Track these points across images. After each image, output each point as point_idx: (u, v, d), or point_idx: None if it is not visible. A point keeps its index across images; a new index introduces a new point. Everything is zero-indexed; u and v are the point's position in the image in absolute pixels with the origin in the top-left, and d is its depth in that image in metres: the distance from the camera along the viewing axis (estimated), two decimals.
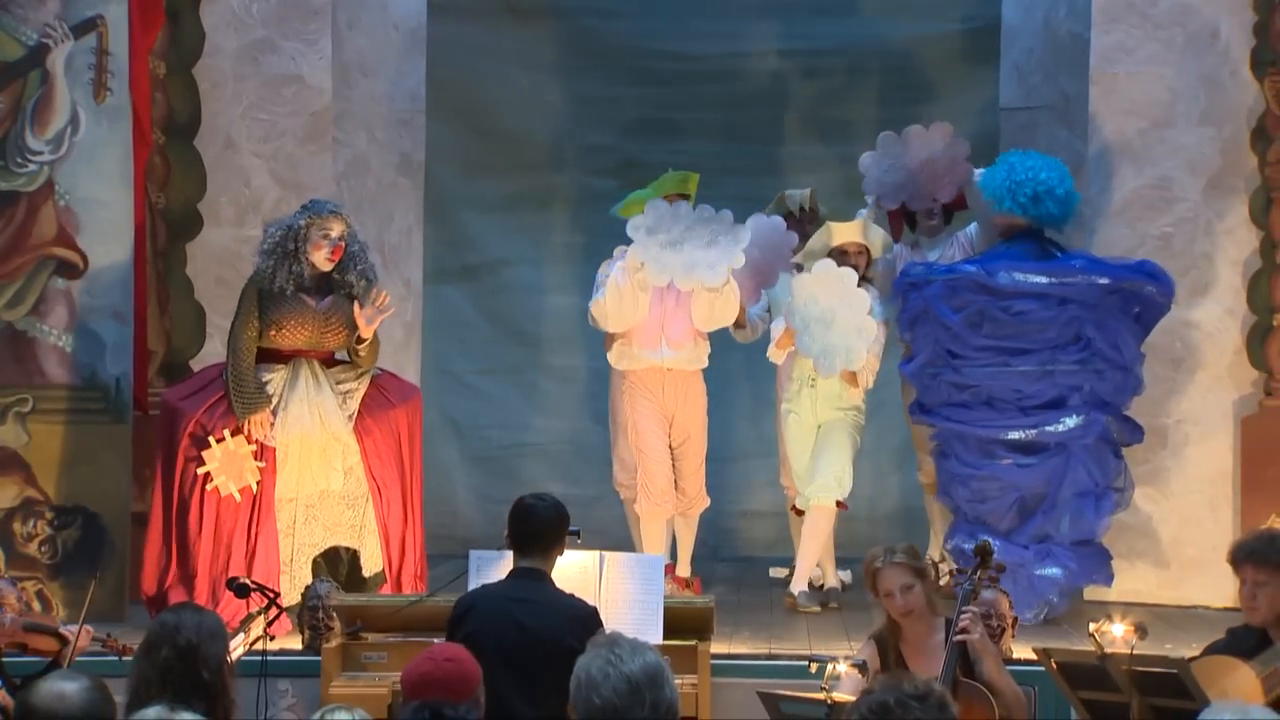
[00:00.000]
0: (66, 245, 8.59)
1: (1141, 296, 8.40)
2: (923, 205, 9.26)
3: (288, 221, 8.17)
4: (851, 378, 8.76)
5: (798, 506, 8.95)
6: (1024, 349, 8.40)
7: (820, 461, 8.78)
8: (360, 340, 8.12)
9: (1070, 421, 8.35)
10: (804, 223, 9.33)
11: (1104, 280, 8.35)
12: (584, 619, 5.92)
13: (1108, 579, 8.58)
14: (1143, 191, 9.24)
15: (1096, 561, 8.48)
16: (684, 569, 8.92)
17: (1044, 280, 8.38)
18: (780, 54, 11.38)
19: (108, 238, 8.59)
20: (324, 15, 9.32)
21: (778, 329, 8.79)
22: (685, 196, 8.71)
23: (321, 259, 8.07)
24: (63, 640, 6.55)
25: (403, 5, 10.04)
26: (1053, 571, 8.25)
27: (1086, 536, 8.39)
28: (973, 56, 11.02)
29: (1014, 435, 8.42)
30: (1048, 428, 8.38)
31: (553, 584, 6.11)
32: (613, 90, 11.39)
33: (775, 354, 8.89)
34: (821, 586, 9.08)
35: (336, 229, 8.08)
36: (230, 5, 9.28)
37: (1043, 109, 10.11)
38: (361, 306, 8.08)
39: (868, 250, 8.88)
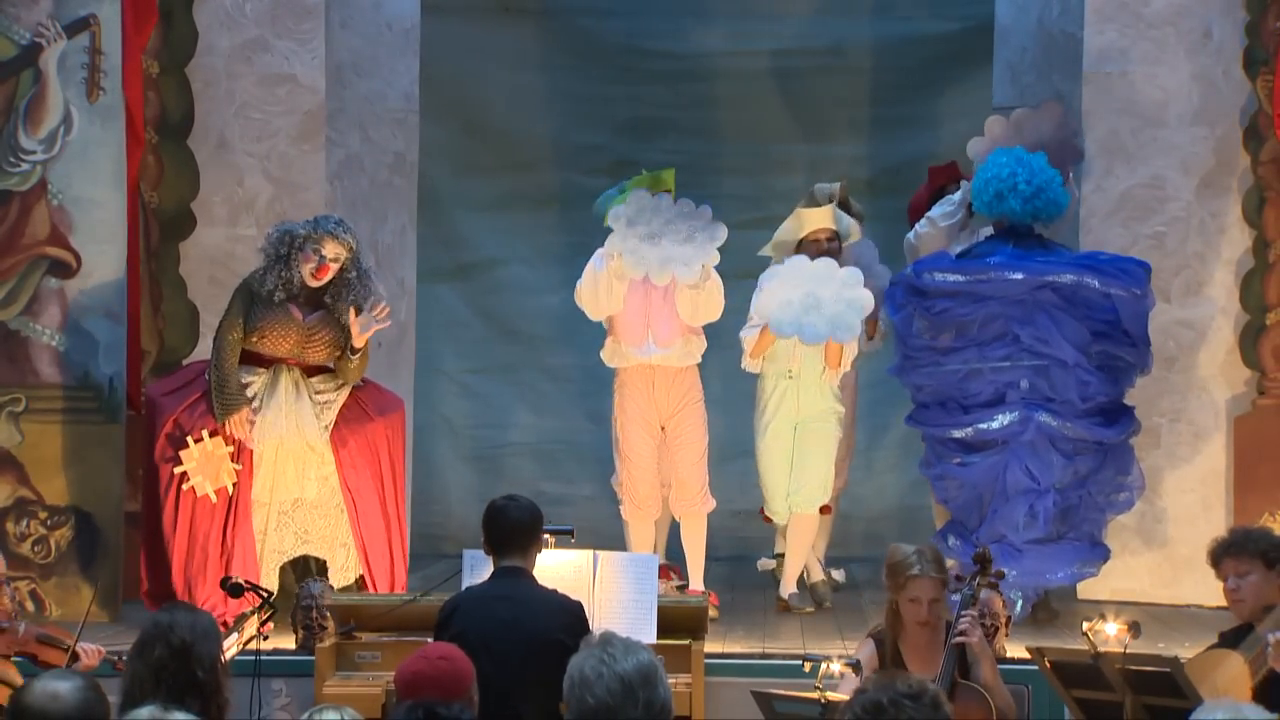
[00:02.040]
0: (59, 245, 8.58)
1: (1081, 289, 8.32)
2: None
3: (290, 226, 8.13)
4: (835, 356, 8.66)
5: (767, 514, 8.94)
6: (952, 348, 8.47)
7: (804, 472, 8.72)
8: (353, 350, 8.06)
9: (1004, 419, 8.36)
10: None
11: (1017, 276, 8.33)
12: (569, 611, 5.97)
13: (1069, 577, 8.49)
14: (1136, 191, 9.24)
15: (1055, 560, 8.36)
16: (697, 581, 8.71)
17: (960, 279, 8.44)
18: (773, 53, 11.39)
19: (101, 237, 8.59)
20: (317, 14, 9.31)
21: (749, 338, 8.73)
22: (668, 193, 8.67)
23: (307, 273, 8.02)
24: (74, 657, 6.52)
25: (396, 4, 10.03)
26: None
27: (1035, 535, 8.33)
28: (966, 56, 11.03)
29: (957, 434, 8.49)
30: (981, 425, 8.42)
31: (534, 580, 6.12)
32: (606, 89, 11.40)
33: (752, 364, 8.81)
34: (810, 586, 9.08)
35: (331, 249, 7.99)
36: (223, 4, 9.27)
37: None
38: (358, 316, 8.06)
39: (839, 237, 8.86)
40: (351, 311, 8.01)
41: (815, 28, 11.38)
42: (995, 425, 8.39)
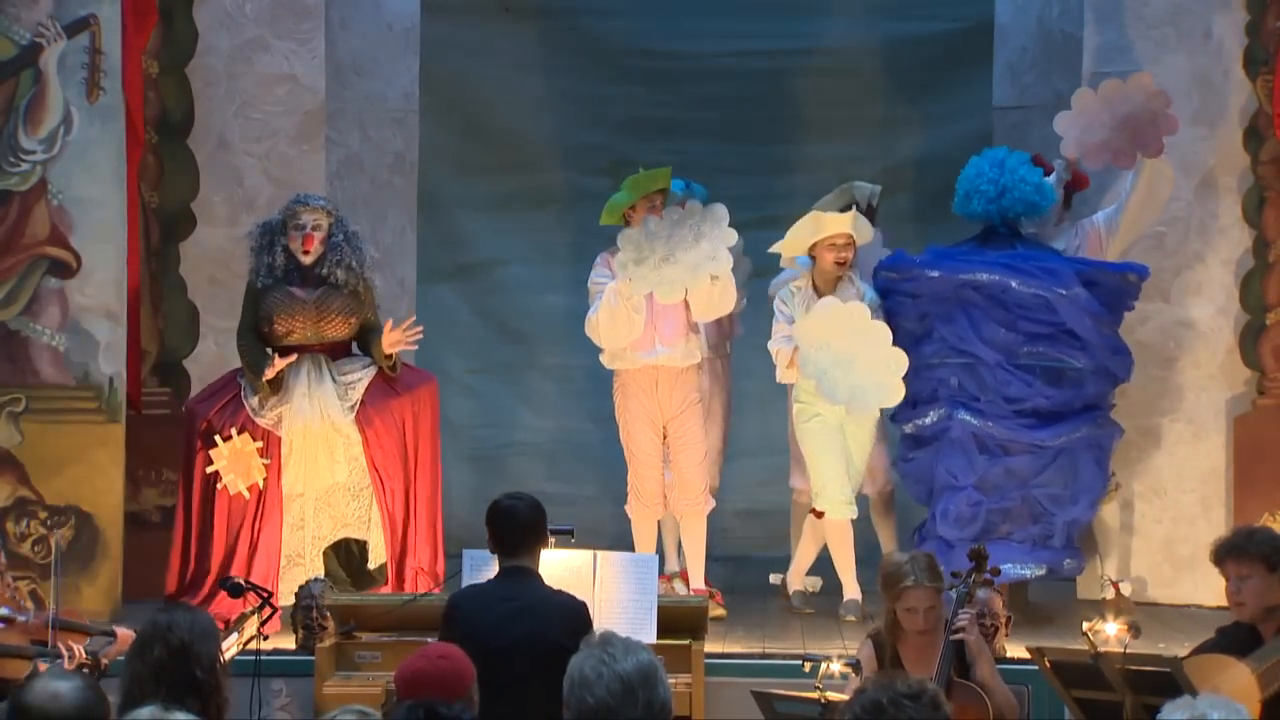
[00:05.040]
0: (59, 245, 8.58)
1: (1005, 289, 8.29)
2: (1128, 166, 8.78)
3: (266, 218, 8.31)
4: None
5: (818, 509, 8.72)
6: (902, 345, 8.48)
7: (849, 475, 8.58)
8: (388, 358, 8.16)
9: (934, 415, 8.43)
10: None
11: (933, 274, 8.38)
12: (574, 614, 5.94)
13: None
14: None
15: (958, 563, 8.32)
16: (698, 579, 8.66)
17: (893, 276, 8.56)
18: (773, 53, 11.38)
19: (101, 237, 8.59)
20: (317, 14, 9.31)
21: (783, 350, 8.55)
22: (663, 192, 8.64)
23: (296, 249, 8.12)
24: (97, 635, 6.57)
25: (396, 4, 10.04)
26: None
27: (958, 534, 8.31)
28: (966, 56, 11.03)
29: (906, 429, 8.61)
30: (919, 421, 8.52)
31: (541, 580, 6.10)
32: (606, 89, 11.40)
33: (787, 375, 8.63)
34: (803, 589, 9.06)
35: (308, 218, 8.12)
36: (223, 4, 9.27)
37: (1036, 108, 10.11)
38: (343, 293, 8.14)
39: (854, 243, 8.64)
40: (387, 325, 8.11)
41: (815, 28, 11.38)
42: (927, 421, 8.47)
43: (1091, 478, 8.43)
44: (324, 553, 8.12)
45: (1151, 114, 8.72)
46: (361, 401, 8.14)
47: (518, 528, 6.12)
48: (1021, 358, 8.37)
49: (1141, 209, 8.69)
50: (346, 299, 8.15)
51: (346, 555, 8.17)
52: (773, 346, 8.65)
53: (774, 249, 8.76)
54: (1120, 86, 8.79)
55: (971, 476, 8.34)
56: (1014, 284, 8.33)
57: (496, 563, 6.22)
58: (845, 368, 8.32)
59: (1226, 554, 6.08)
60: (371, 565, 8.13)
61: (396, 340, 8.14)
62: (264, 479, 8.02)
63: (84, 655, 6.36)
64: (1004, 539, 8.26)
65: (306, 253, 8.12)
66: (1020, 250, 8.50)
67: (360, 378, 8.17)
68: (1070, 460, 8.38)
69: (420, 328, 8.25)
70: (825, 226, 8.59)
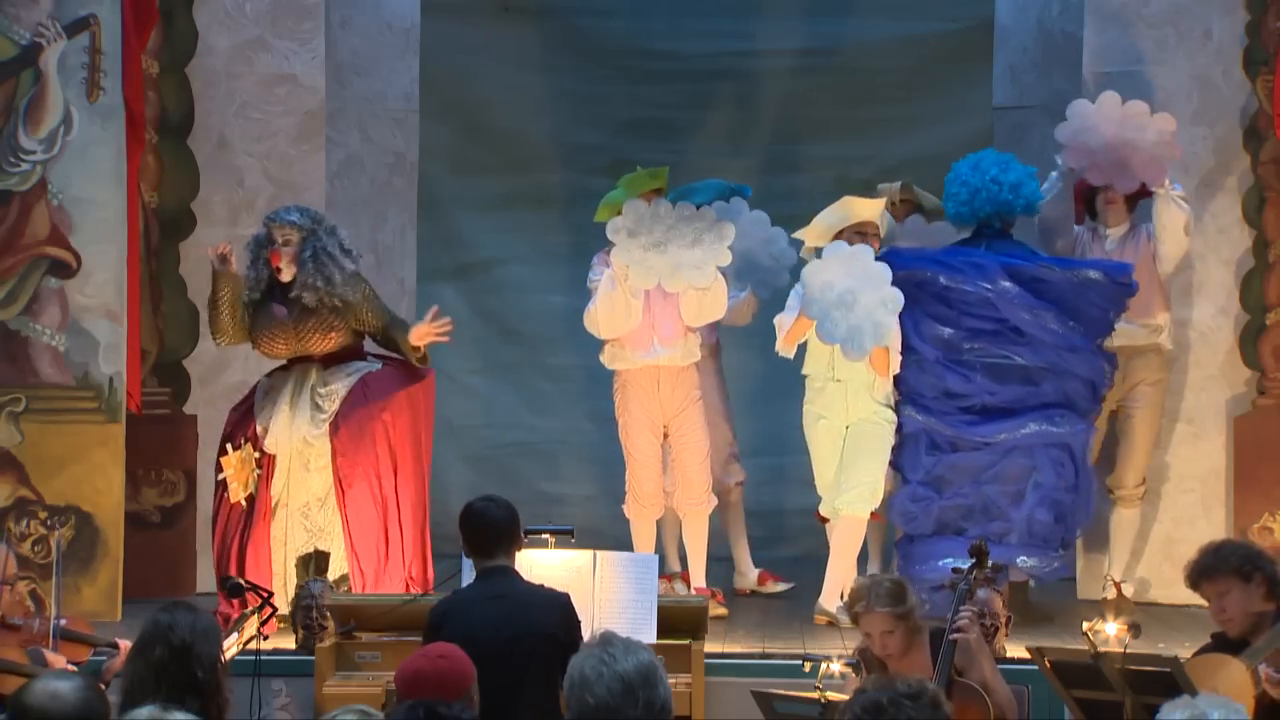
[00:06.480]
0: (59, 245, 8.59)
1: (945, 287, 8.25)
2: (1100, 182, 8.74)
3: (258, 231, 8.24)
4: (883, 364, 8.32)
5: (822, 514, 8.72)
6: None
7: (853, 470, 8.39)
8: (415, 349, 8.11)
9: (904, 412, 8.43)
10: (895, 216, 9.08)
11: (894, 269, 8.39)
12: (560, 605, 5.98)
13: (933, 570, 8.08)
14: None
15: (923, 554, 8.21)
16: (699, 578, 8.66)
17: None
18: (773, 53, 11.38)
19: (101, 237, 8.59)
20: (317, 14, 9.32)
21: (784, 320, 8.44)
22: (659, 191, 8.62)
23: (275, 267, 8.09)
24: (101, 647, 6.57)
25: (396, 4, 10.04)
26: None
27: (912, 529, 8.35)
28: (966, 56, 11.03)
29: None
30: (900, 416, 8.54)
31: (520, 577, 6.11)
32: (606, 89, 11.40)
33: (785, 348, 8.48)
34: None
35: (278, 235, 8.05)
36: (223, 4, 9.28)
37: (1036, 108, 10.12)
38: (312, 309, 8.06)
39: (880, 233, 8.53)
40: (424, 320, 8.03)
41: (814, 27, 11.38)
42: (900, 417, 8.45)
43: (1051, 478, 8.28)
44: (296, 561, 8.11)
45: (1151, 156, 8.64)
46: (339, 410, 8.09)
47: (492, 530, 6.11)
48: (965, 354, 8.31)
49: (1160, 235, 8.68)
50: (324, 315, 8.08)
51: (316, 565, 8.14)
52: (778, 318, 8.49)
53: (799, 234, 8.69)
54: (1143, 114, 8.69)
55: (918, 472, 8.33)
56: (942, 280, 8.28)
57: (473, 567, 6.21)
58: (846, 307, 8.18)
59: (1200, 577, 6.11)
60: (332, 576, 8.01)
61: (425, 334, 8.07)
62: (256, 489, 8.01)
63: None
64: (957, 535, 8.17)
65: (278, 269, 8.08)
66: (976, 249, 8.43)
67: (339, 389, 8.10)
68: (1025, 458, 8.28)
69: (450, 321, 8.11)
70: (856, 212, 8.49)
